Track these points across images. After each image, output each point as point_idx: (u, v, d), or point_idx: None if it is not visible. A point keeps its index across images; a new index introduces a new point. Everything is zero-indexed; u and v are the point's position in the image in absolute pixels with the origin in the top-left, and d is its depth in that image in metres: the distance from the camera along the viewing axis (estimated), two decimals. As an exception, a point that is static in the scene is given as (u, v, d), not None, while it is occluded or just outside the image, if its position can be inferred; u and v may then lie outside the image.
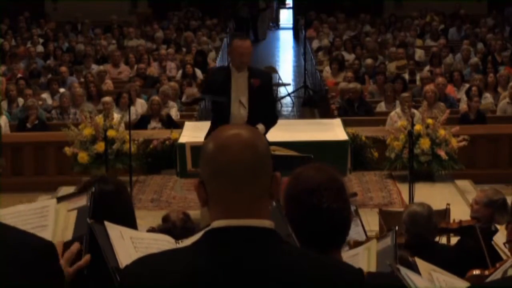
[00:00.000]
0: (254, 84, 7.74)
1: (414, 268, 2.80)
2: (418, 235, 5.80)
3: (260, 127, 7.60)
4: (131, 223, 3.11)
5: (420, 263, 2.87)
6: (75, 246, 2.83)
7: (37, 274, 2.20)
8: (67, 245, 2.84)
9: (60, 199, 3.01)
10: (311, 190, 2.72)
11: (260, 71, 8.70)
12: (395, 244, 3.09)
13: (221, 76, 7.90)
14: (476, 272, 4.68)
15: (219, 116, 7.81)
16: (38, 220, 2.91)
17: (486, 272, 4.53)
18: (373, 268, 3.02)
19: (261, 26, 26.39)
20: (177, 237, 3.10)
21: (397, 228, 3.29)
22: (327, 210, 2.70)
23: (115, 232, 2.78)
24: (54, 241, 2.74)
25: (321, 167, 2.81)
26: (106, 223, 2.79)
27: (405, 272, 2.53)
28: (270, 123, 7.80)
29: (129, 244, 2.77)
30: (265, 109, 7.79)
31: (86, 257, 2.82)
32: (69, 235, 2.94)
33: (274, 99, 8.44)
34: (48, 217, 2.92)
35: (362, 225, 6.62)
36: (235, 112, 7.79)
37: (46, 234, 2.82)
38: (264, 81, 7.89)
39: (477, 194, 6.70)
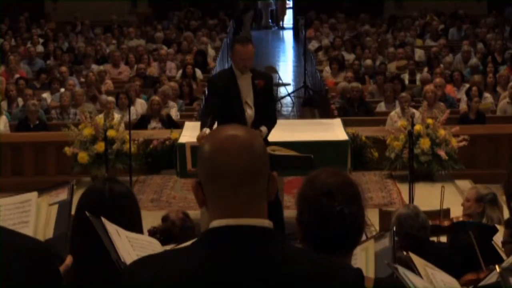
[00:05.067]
0: (258, 85, 7.74)
1: (410, 264, 2.80)
2: (406, 235, 5.81)
3: (264, 129, 7.64)
4: (139, 227, 3.07)
5: (415, 258, 2.86)
6: (69, 260, 2.80)
7: (34, 279, 2.17)
8: (48, 242, 2.78)
9: (41, 192, 2.96)
10: (324, 194, 2.71)
11: (262, 72, 8.72)
12: (394, 245, 3.08)
13: (225, 80, 7.81)
14: (472, 276, 4.67)
15: (229, 118, 7.70)
16: (19, 216, 2.84)
17: (482, 276, 4.51)
18: (371, 269, 3.01)
19: (244, 27, 26.31)
20: (177, 236, 3.09)
21: (394, 228, 3.27)
22: (340, 214, 2.69)
23: (112, 229, 2.76)
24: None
25: (337, 171, 2.81)
26: (103, 219, 2.76)
27: (403, 272, 2.53)
28: (271, 124, 7.82)
29: (126, 242, 2.75)
30: (267, 110, 7.81)
31: (69, 258, 2.80)
32: (49, 232, 2.88)
33: (275, 100, 8.43)
34: (30, 212, 2.84)
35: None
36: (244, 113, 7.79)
37: (28, 231, 2.75)
38: (266, 82, 7.89)
39: (468, 192, 6.73)
